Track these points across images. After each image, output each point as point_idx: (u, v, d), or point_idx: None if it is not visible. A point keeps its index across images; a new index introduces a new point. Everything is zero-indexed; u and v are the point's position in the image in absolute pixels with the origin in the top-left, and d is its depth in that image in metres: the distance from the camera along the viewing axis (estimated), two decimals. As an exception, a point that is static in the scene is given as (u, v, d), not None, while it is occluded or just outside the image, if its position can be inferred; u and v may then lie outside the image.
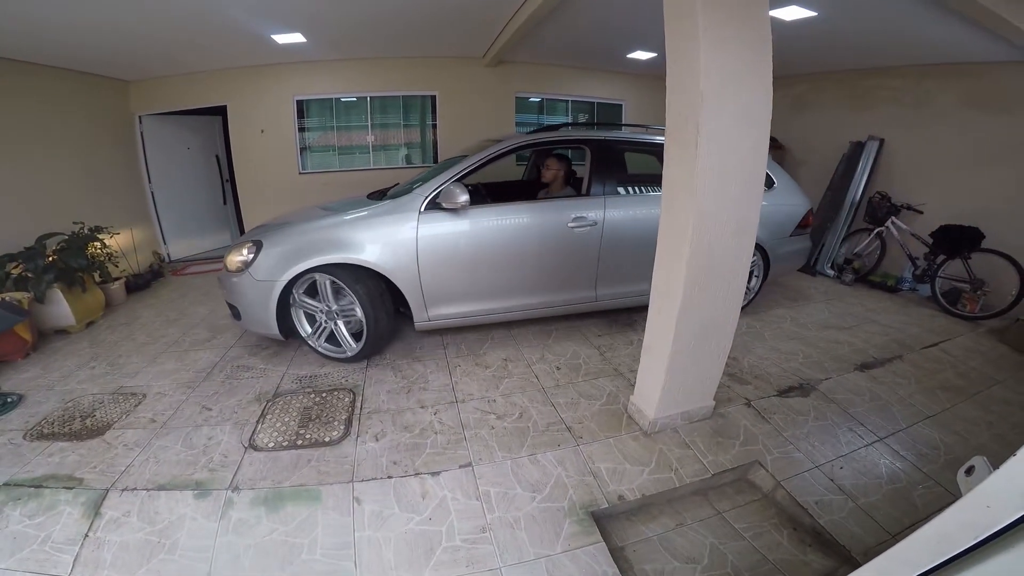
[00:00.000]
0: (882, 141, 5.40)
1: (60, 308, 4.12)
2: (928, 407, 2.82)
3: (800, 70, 5.98)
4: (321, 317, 3.34)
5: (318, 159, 6.87)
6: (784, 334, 3.74)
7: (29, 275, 3.96)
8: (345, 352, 3.37)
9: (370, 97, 6.70)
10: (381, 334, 3.30)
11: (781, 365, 3.25)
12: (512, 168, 6.32)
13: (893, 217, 5.03)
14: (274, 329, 3.24)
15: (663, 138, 3.84)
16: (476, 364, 3.32)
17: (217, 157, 7.26)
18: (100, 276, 4.67)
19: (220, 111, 6.56)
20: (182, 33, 4.51)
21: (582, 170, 3.74)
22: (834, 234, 5.54)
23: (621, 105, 7.83)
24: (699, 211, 2.05)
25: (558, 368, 3.23)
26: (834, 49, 5.05)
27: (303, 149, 6.73)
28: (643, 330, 3.64)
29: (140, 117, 6.22)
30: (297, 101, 6.51)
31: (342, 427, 2.64)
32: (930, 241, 4.64)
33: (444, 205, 3.14)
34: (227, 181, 7.35)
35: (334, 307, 3.27)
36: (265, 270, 3.13)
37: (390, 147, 6.98)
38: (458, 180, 3.23)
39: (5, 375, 3.43)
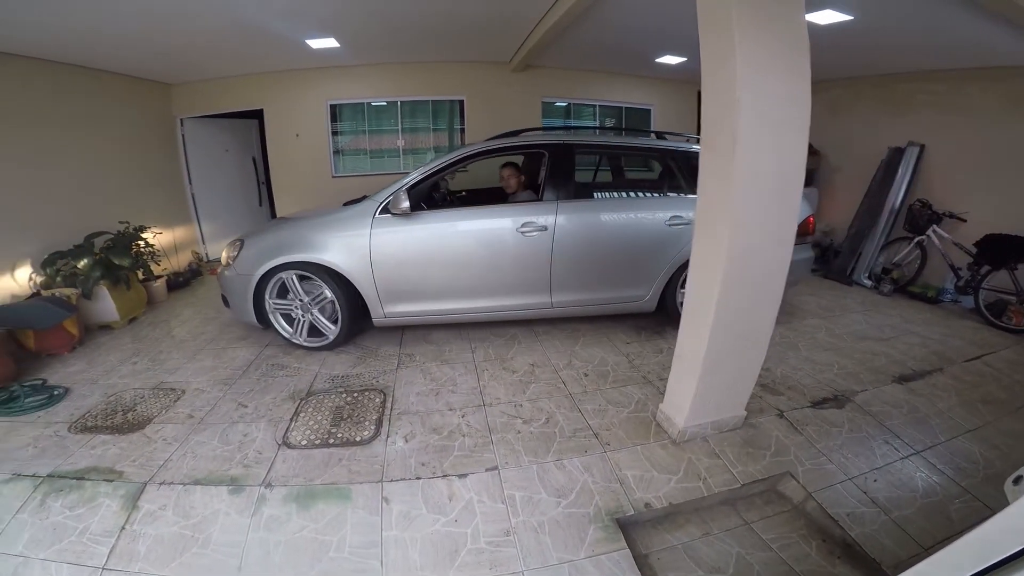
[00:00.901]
0: (923, 147, 5.23)
1: (105, 304, 4.30)
2: (968, 420, 2.73)
3: (835, 74, 5.84)
4: (297, 313, 3.58)
5: (350, 162, 6.99)
6: (818, 345, 3.66)
7: (78, 272, 4.15)
8: (328, 337, 3.60)
9: (400, 101, 6.80)
10: (354, 313, 3.53)
11: (815, 376, 3.18)
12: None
13: (934, 225, 4.87)
14: (252, 317, 3.59)
15: (654, 143, 3.90)
16: (503, 368, 3.34)
17: (254, 159, 7.46)
18: (143, 274, 4.85)
19: (257, 114, 6.75)
20: (222, 38, 4.64)
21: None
22: (872, 243, 5.39)
23: (649, 110, 7.76)
24: (735, 220, 2.03)
25: (586, 374, 3.22)
26: (870, 53, 4.92)
27: (336, 152, 6.87)
28: (673, 338, 3.61)
29: (181, 120, 6.45)
30: (330, 105, 6.65)
31: (373, 427, 2.69)
32: (974, 251, 4.47)
33: (393, 211, 3.33)
34: (263, 183, 7.55)
35: (305, 299, 3.52)
36: (245, 265, 3.49)
37: (419, 151, 7.05)
38: (411, 187, 3.37)
39: (52, 368, 3.59)
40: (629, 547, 1.91)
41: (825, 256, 5.98)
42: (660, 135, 4.16)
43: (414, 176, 3.44)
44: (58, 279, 4.16)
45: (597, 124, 7.64)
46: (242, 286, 3.50)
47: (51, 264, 4.18)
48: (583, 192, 3.69)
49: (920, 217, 4.98)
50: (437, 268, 3.46)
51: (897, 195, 5.32)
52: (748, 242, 2.10)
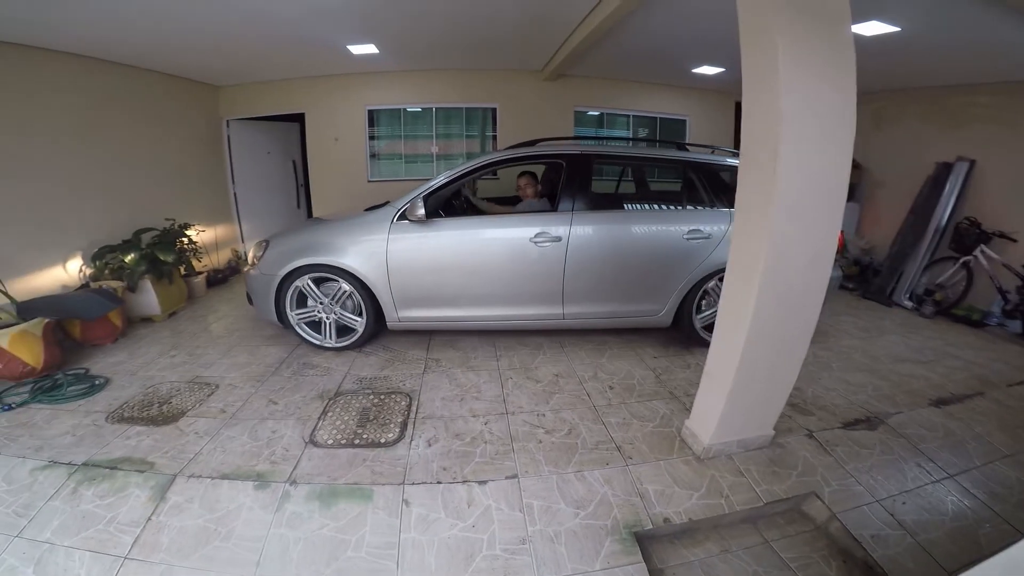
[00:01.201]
0: (972, 162, 5.02)
1: (148, 298, 4.49)
2: (1008, 445, 2.62)
3: (880, 85, 5.66)
4: (322, 316, 3.69)
5: (385, 167, 7.11)
6: (853, 366, 3.55)
7: (125, 266, 4.34)
8: (357, 331, 3.70)
9: (435, 108, 6.90)
10: (376, 306, 3.60)
11: (848, 397, 3.09)
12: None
13: (983, 245, 4.67)
14: (274, 316, 3.70)
15: (675, 154, 3.85)
16: (528, 377, 3.34)
17: (294, 162, 7.68)
18: (185, 270, 5.04)
19: (299, 118, 6.95)
20: (271, 43, 4.80)
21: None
22: (915, 262, 5.19)
23: (685, 121, 7.67)
24: (773, 237, 1.99)
25: (611, 387, 3.20)
26: (918, 63, 4.74)
27: (372, 156, 7.01)
28: (701, 354, 3.58)
29: (228, 121, 6.71)
30: (368, 110, 6.80)
31: (397, 430, 2.73)
32: (1025, 273, 4.28)
33: (409, 218, 3.39)
34: (301, 186, 7.76)
35: (326, 300, 3.63)
36: (269, 265, 3.61)
37: (452, 157, 7.14)
38: (428, 195, 3.42)
39: (95, 358, 3.76)
40: (645, 561, 1.89)
41: (864, 275, 5.79)
42: (682, 146, 4.10)
43: (431, 184, 3.49)
44: (106, 272, 4.37)
45: (629, 134, 7.58)
46: (265, 285, 3.61)
47: (100, 257, 4.40)
48: (599, 203, 3.65)
49: (967, 236, 4.78)
50: (450, 275, 3.50)
51: (944, 212, 5.12)
52: (786, 260, 2.05)
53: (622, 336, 3.97)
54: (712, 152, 3.88)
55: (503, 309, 3.60)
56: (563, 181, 3.56)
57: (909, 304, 5.03)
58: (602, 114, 7.45)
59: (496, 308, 3.59)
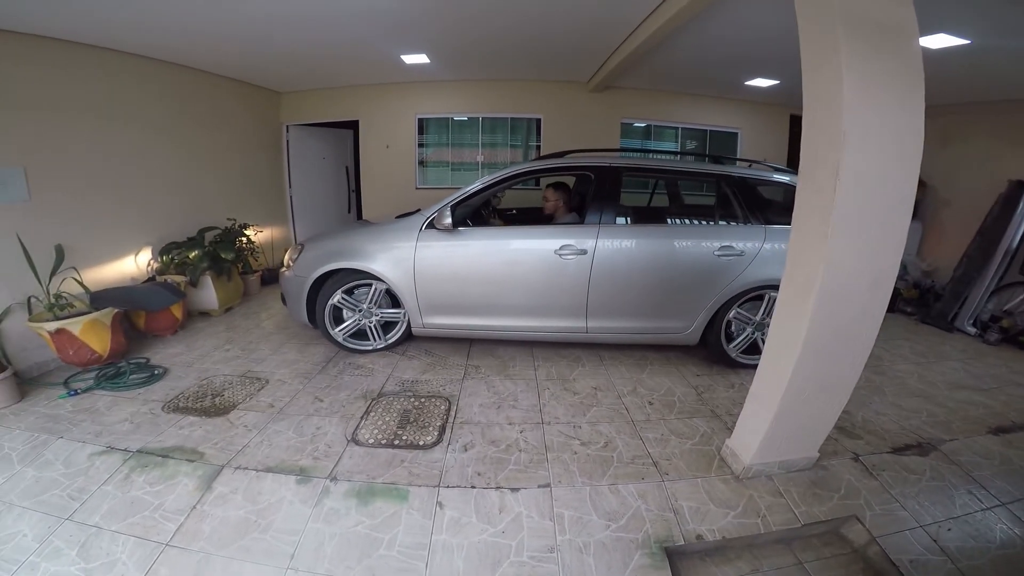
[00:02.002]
0: (1049, 183, 4.72)
1: (208, 293, 4.74)
2: (1070, 475, 2.45)
3: (947, 99, 5.38)
4: (364, 322, 3.80)
5: (432, 175, 7.27)
6: (908, 391, 3.38)
7: (189, 261, 4.60)
8: (401, 322, 3.82)
9: (481, 117, 7.01)
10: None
11: (900, 422, 2.96)
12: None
13: (1058, 272, 4.37)
14: (304, 317, 3.79)
15: (706, 167, 3.79)
16: (565, 389, 3.34)
17: (347, 169, 7.95)
18: (242, 267, 5.29)
19: (352, 125, 7.20)
20: (329, 51, 4.98)
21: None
22: (980, 287, 4.88)
23: (736, 134, 7.50)
24: (830, 259, 1.92)
25: (650, 403, 3.16)
26: (988, 78, 4.52)
27: (420, 164, 7.17)
28: (746, 374, 3.52)
29: (287, 127, 7.01)
30: (418, 119, 6.97)
31: (436, 433, 2.78)
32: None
33: (437, 226, 3.44)
34: (353, 192, 8.02)
35: (364, 305, 3.75)
36: (302, 268, 3.72)
37: (496, 166, 7.21)
38: (456, 204, 3.48)
39: (156, 349, 3.99)
40: (674, 576, 1.87)
41: (924, 299, 5.49)
42: (718, 159, 4.01)
43: (460, 194, 3.54)
44: (171, 267, 4.64)
45: (677, 147, 7.47)
46: (298, 287, 3.72)
47: (167, 252, 4.68)
48: (627, 216, 3.60)
49: (1041, 261, 4.49)
50: (474, 284, 3.54)
51: (1015, 235, 4.80)
52: (843, 282, 1.98)
53: (663, 352, 3.92)
54: (750, 166, 3.77)
55: (526, 320, 3.61)
56: (591, 194, 3.53)
57: (972, 330, 4.74)
58: (649, 126, 7.37)
59: (519, 319, 3.61)
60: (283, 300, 4.06)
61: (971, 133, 5.52)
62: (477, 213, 4.06)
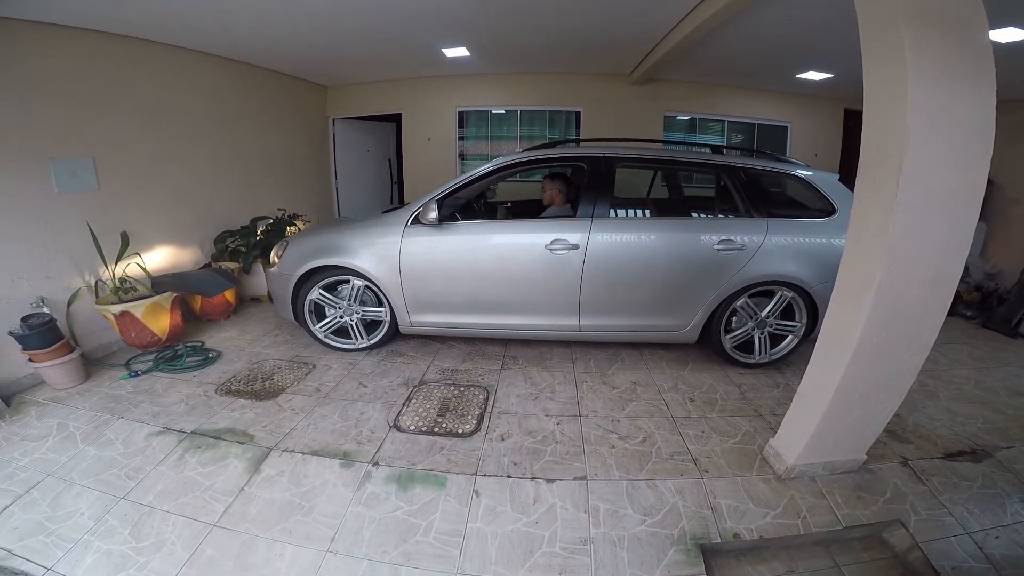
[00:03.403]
0: None
1: (259, 279, 4.94)
2: None
3: (1017, 94, 5.08)
4: (345, 319, 3.69)
5: (471, 167, 7.23)
6: (964, 396, 3.22)
7: (241, 249, 4.79)
8: (384, 320, 3.68)
9: (520, 110, 7.03)
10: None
11: (954, 428, 2.83)
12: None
13: None
14: (290, 315, 3.71)
15: (705, 157, 3.62)
16: (603, 383, 3.33)
17: (389, 161, 8.10)
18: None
19: (395, 118, 7.33)
20: (373, 45, 5.08)
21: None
22: (1049, 291, 4.62)
23: (786, 127, 7.27)
24: (891, 257, 1.85)
25: (691, 400, 3.12)
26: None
27: (459, 156, 7.25)
28: (792, 374, 3.44)
29: (334, 120, 7.21)
30: (459, 112, 7.04)
31: (474, 422, 2.82)
32: None
33: (422, 221, 3.32)
34: (395, 184, 8.16)
35: (343, 303, 3.64)
36: (287, 265, 3.63)
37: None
38: (442, 198, 3.35)
39: (210, 333, 4.18)
40: (707, 573, 1.86)
41: (986, 302, 5.20)
42: (717, 149, 3.85)
43: (447, 186, 3.43)
44: (225, 254, 4.84)
45: (723, 141, 7.29)
46: (283, 285, 3.63)
47: (221, 240, 4.89)
48: (622, 209, 3.49)
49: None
50: (462, 281, 3.43)
51: (1090, 238, 4.51)
52: (903, 281, 1.91)
53: (706, 350, 3.81)
54: (753, 155, 3.64)
55: (517, 318, 3.50)
56: (583, 185, 3.42)
57: (1038, 337, 4.47)
58: (694, 119, 7.23)
59: (510, 317, 3.50)
60: (270, 298, 4.02)
61: (1043, 129, 5.18)
62: (468, 206, 4.02)
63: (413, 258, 3.40)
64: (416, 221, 3.39)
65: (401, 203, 7.68)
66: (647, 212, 3.74)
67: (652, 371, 3.51)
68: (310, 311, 3.67)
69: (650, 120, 6.89)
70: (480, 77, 6.71)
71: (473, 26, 4.55)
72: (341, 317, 3.69)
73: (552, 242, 3.27)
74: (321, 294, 3.60)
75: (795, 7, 3.63)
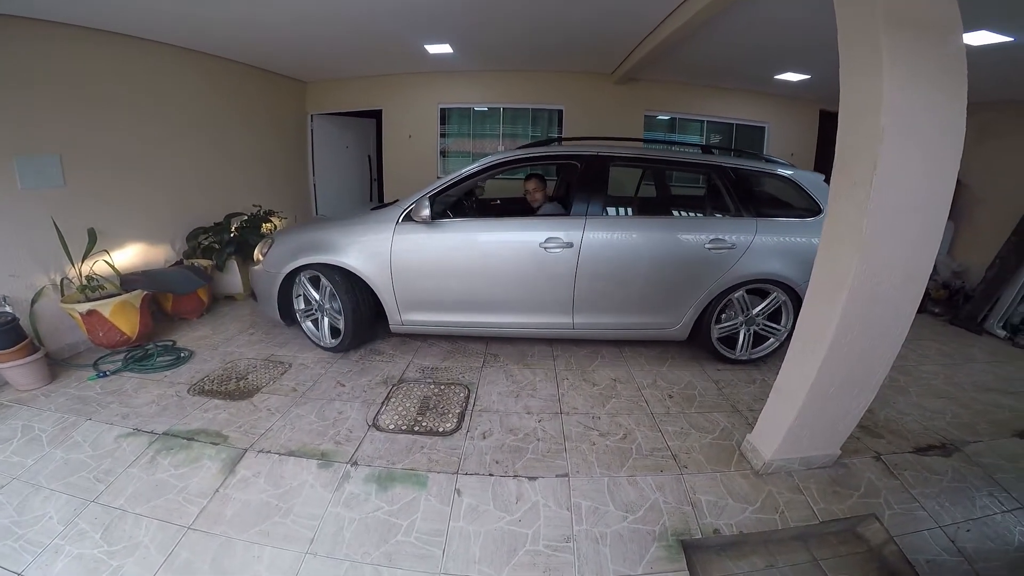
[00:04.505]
0: (1091, 184, 4.55)
1: (233, 277, 4.84)
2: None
3: (984, 97, 5.20)
4: (314, 305, 3.62)
5: (453, 164, 7.29)
6: (932, 392, 3.32)
7: (215, 246, 4.68)
8: (320, 341, 3.66)
9: (502, 108, 7.02)
10: (356, 336, 3.56)
11: (923, 423, 2.91)
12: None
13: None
14: (276, 313, 3.63)
15: (696, 157, 3.66)
16: (584, 380, 3.34)
17: (369, 157, 8.03)
18: (267, 254, 5.37)
19: (375, 115, 7.25)
20: (355, 41, 5.02)
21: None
22: (1013, 288, 4.75)
23: (764, 128, 7.39)
24: (864, 255, 1.89)
25: (670, 396, 3.15)
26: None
27: (441, 154, 7.21)
28: (767, 369, 3.49)
29: (312, 116, 7.11)
30: (440, 108, 7.00)
31: (455, 420, 2.80)
32: None
33: (414, 218, 3.26)
34: (375, 180, 8.08)
35: (316, 298, 3.57)
36: (272, 263, 3.54)
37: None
38: (435, 195, 3.32)
39: (182, 332, 4.08)
40: (688, 569, 1.88)
41: (953, 299, 5.36)
42: (707, 149, 3.91)
43: (439, 183, 3.38)
44: (198, 251, 4.73)
45: (702, 140, 7.38)
46: (269, 283, 3.55)
47: (194, 237, 4.77)
48: (615, 208, 3.49)
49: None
50: (454, 279, 3.38)
51: (1052, 237, 4.67)
52: (876, 278, 1.95)
53: (685, 346, 3.87)
54: (741, 156, 3.69)
55: (510, 316, 3.48)
56: (577, 184, 3.41)
57: (1002, 333, 4.61)
58: (674, 119, 7.30)
59: (503, 315, 3.47)
60: (253, 296, 3.92)
61: (1009, 131, 5.34)
62: (458, 204, 3.99)
63: (405, 256, 3.33)
64: (408, 218, 3.32)
65: (381, 200, 7.64)
66: (639, 211, 3.74)
67: (632, 368, 3.53)
68: (312, 314, 3.63)
69: (631, 119, 6.94)
70: (463, 74, 6.67)
71: (456, 23, 4.51)
72: (316, 311, 3.66)
73: (546, 240, 3.26)
74: (304, 281, 3.54)
75: (775, 8, 3.67)
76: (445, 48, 5.36)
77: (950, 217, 5.46)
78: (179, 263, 4.62)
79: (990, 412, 3.07)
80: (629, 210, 3.64)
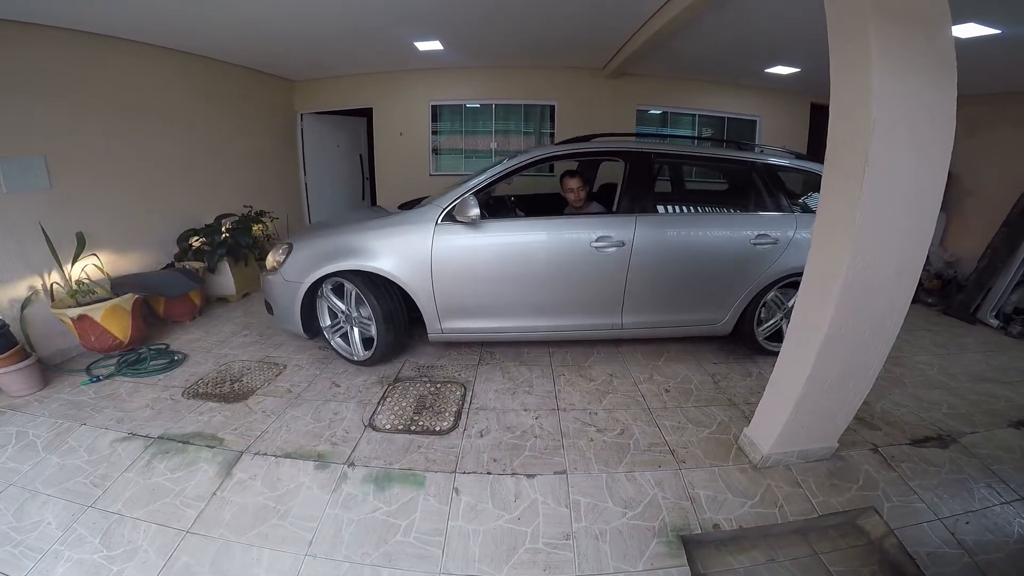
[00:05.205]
0: (1080, 174, 4.59)
1: (225, 279, 4.80)
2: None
3: (974, 89, 5.24)
4: (341, 317, 3.41)
5: (446, 161, 7.26)
6: (928, 383, 3.34)
7: (206, 248, 4.64)
8: (353, 356, 3.42)
9: (494, 104, 6.98)
10: (390, 346, 3.33)
11: (920, 414, 2.92)
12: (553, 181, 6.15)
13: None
14: (299, 327, 3.36)
15: (739, 154, 3.69)
16: (580, 376, 3.34)
17: (361, 156, 7.99)
18: (259, 254, 5.33)
19: (366, 113, 7.21)
20: (344, 38, 4.97)
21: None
22: (1005, 278, 4.78)
23: (755, 121, 7.39)
24: (857, 247, 1.90)
25: (667, 390, 3.15)
26: (1020, 67, 4.39)
27: (433, 151, 7.17)
28: (764, 362, 3.50)
29: (302, 115, 7.06)
30: (432, 106, 6.95)
31: (452, 419, 2.80)
32: None
33: (458, 218, 3.08)
34: (367, 179, 8.05)
35: (353, 314, 3.34)
36: (293, 271, 3.26)
37: (509, 153, 7.18)
38: (477, 192, 3.15)
39: (175, 335, 4.04)
40: (689, 565, 1.88)
41: (946, 290, 5.40)
42: (741, 145, 3.90)
43: (480, 180, 3.22)
44: (189, 253, 4.69)
45: (694, 134, 7.38)
46: (289, 294, 3.28)
47: (185, 239, 4.72)
48: (662, 205, 3.46)
49: (1069, 253, 4.37)
50: (502, 282, 3.23)
51: (1042, 226, 4.70)
52: (869, 269, 1.96)
53: (681, 340, 3.87)
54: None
55: (559, 319, 3.38)
56: (625, 181, 3.33)
57: (995, 322, 4.64)
58: (665, 113, 7.29)
59: (553, 318, 3.37)
60: (268, 308, 3.59)
61: (999, 123, 5.37)
62: (487, 203, 3.91)
63: (448, 258, 3.13)
64: (449, 218, 3.14)
65: (373, 200, 7.59)
66: (686, 208, 3.70)
67: (628, 363, 3.53)
68: (339, 328, 3.43)
69: (623, 113, 6.91)
70: (453, 71, 6.62)
71: (446, 19, 4.48)
72: (344, 327, 3.44)
73: (597, 239, 3.18)
74: (328, 294, 3.35)
75: (763, 1, 3.67)
76: (435, 45, 5.32)
77: (942, 208, 5.48)
78: (170, 265, 4.59)
79: (985, 402, 3.09)
80: (675, 207, 3.59)
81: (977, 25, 3.42)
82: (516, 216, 3.52)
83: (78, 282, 3.60)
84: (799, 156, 3.70)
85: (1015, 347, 4.13)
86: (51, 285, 3.56)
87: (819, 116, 7.15)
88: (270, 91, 6.43)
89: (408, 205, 3.65)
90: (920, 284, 4.38)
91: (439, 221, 3.15)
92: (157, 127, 4.61)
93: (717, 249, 3.32)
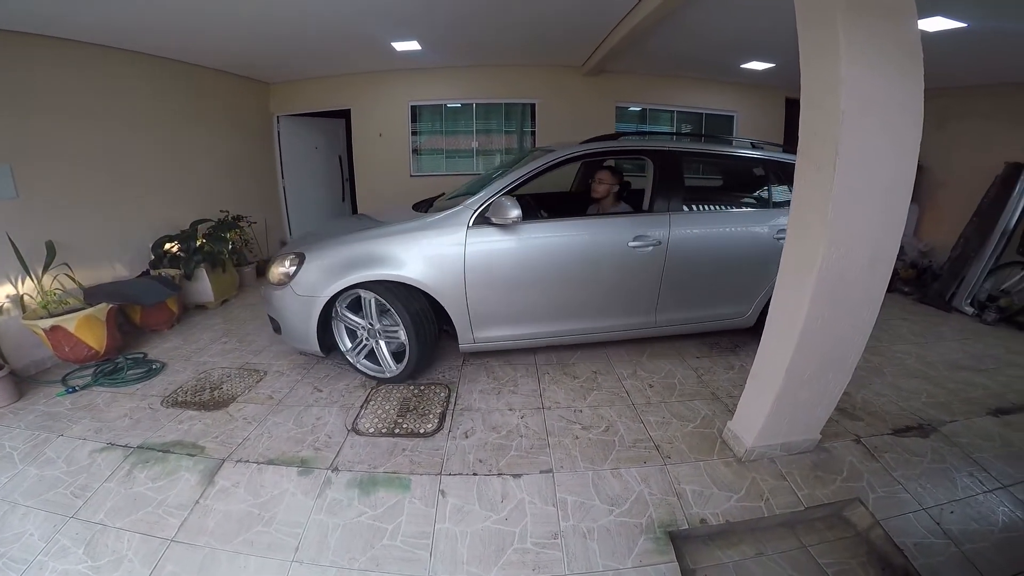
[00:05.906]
0: (1046, 163, 4.71)
1: (203, 286, 4.71)
2: (1070, 457, 2.46)
3: (944, 82, 5.34)
4: (362, 334, 3.21)
5: (427, 162, 7.21)
6: (907, 372, 3.39)
7: (182, 254, 4.56)
8: (384, 372, 3.22)
9: (475, 104, 6.95)
10: (423, 357, 3.16)
11: (900, 404, 2.96)
12: (559, 179, 6.21)
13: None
14: (315, 346, 3.14)
15: (754, 152, 3.75)
16: (564, 373, 3.34)
17: (340, 157, 7.90)
18: (237, 259, 5.25)
19: (345, 114, 7.14)
20: (319, 39, 4.90)
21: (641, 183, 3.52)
22: (978, 267, 4.90)
23: (732, 116, 7.48)
24: (831, 237, 1.92)
25: (651, 386, 3.16)
26: (985, 61, 4.50)
27: (414, 152, 7.12)
28: (746, 356, 3.53)
29: (278, 117, 6.96)
30: (411, 106, 6.90)
31: (436, 420, 2.77)
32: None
33: (494, 220, 2.94)
34: (346, 180, 7.97)
35: (377, 325, 3.13)
36: (307, 285, 3.02)
37: (491, 152, 7.18)
38: (508, 192, 3.05)
39: (153, 343, 3.96)
40: (678, 560, 1.88)
41: (921, 279, 5.52)
42: (756, 144, 3.96)
43: (511, 180, 3.10)
44: (164, 260, 4.60)
45: (673, 130, 7.44)
46: (304, 309, 3.04)
47: (160, 246, 4.62)
48: (691, 203, 3.48)
49: (1038, 240, 4.49)
50: (540, 286, 3.13)
51: (1012, 215, 4.81)
52: (844, 260, 1.98)
53: (664, 336, 3.87)
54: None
55: (595, 321, 3.35)
56: (655, 180, 3.33)
57: (970, 310, 4.75)
58: (644, 109, 7.34)
59: (588, 320, 3.34)
60: (274, 326, 3.37)
61: (967, 115, 5.50)
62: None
63: (483, 264, 3.00)
64: (481, 220, 3.01)
65: (354, 202, 7.49)
66: (712, 206, 3.69)
67: (612, 359, 3.54)
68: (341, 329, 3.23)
69: (603, 111, 6.95)
70: (433, 71, 6.58)
71: (422, 18, 4.45)
72: (368, 339, 3.21)
73: (634, 239, 3.18)
74: (344, 312, 3.15)
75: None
76: (413, 45, 5.28)
77: (914, 200, 5.62)
78: (146, 273, 4.49)
79: (963, 391, 3.15)
80: (702, 204, 3.60)
81: (944, 19, 3.49)
82: (543, 217, 3.46)
83: (49, 293, 3.50)
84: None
85: (990, 334, 4.23)
86: (22, 296, 3.46)
87: (794, 111, 7.22)
88: (244, 94, 6.32)
89: (422, 204, 3.60)
90: (896, 274, 4.48)
91: (471, 224, 3.01)
92: (128, 133, 4.52)
93: (744, 244, 3.42)
